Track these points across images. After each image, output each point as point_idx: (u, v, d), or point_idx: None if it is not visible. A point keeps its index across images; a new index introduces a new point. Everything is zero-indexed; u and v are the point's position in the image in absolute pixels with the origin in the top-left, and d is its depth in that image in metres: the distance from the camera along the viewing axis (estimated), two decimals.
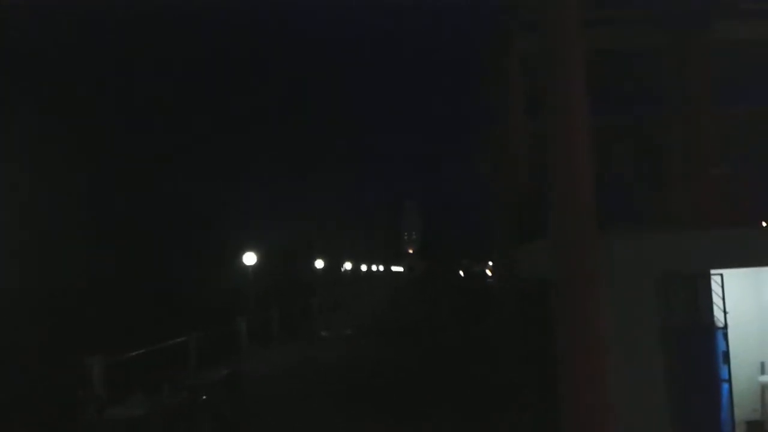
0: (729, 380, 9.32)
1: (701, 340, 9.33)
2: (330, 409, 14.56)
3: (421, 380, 17.36)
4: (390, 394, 15.85)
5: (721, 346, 9.32)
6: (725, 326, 9.40)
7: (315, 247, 43.88)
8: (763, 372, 12.42)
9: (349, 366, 20.53)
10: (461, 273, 79.73)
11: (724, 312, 9.44)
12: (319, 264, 43.38)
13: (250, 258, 28.98)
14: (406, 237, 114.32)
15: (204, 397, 13.34)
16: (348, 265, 59.84)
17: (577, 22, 9.93)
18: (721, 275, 9.48)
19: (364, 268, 73.22)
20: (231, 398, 14.07)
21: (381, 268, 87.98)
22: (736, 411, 9.90)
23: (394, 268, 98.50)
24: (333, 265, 50.95)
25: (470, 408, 13.82)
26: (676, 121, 17.19)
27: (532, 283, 12.21)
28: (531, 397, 11.89)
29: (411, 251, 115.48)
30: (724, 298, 9.45)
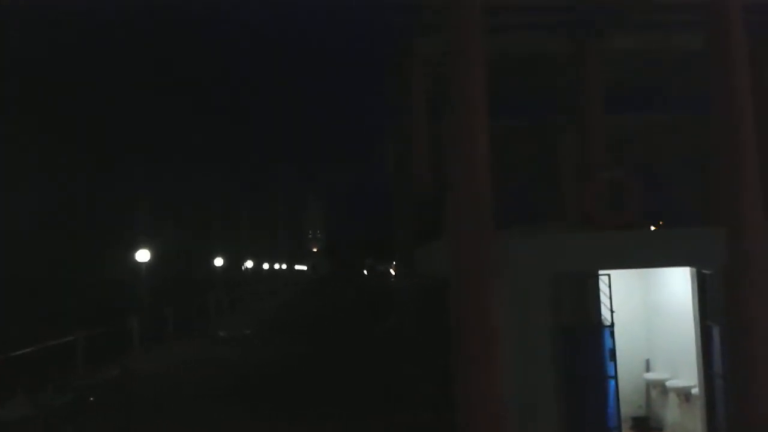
0: (615, 377, 9.67)
1: (589, 337, 9.64)
2: (223, 410, 14.18)
3: (318, 380, 17.22)
4: (285, 394, 15.63)
5: (608, 344, 9.65)
6: (612, 325, 9.75)
7: (214, 244, 42.78)
8: (648, 369, 13.00)
9: (245, 366, 20.11)
10: (365, 272, 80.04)
11: (611, 311, 9.78)
12: (219, 262, 42.34)
13: (143, 255, 27.80)
14: (310, 235, 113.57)
15: (91, 398, 12.72)
16: (249, 264, 58.82)
17: (479, 26, 10.07)
18: (609, 276, 9.82)
19: (266, 266, 72.18)
20: (120, 399, 13.45)
21: (284, 266, 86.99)
22: (622, 407, 10.29)
23: (298, 267, 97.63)
24: (233, 263, 49.89)
25: (364, 405, 13.80)
26: (570, 127, 17.81)
27: (431, 281, 12.31)
28: (428, 392, 11.99)
29: (315, 250, 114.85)
30: (611, 298, 9.79)
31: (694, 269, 10.28)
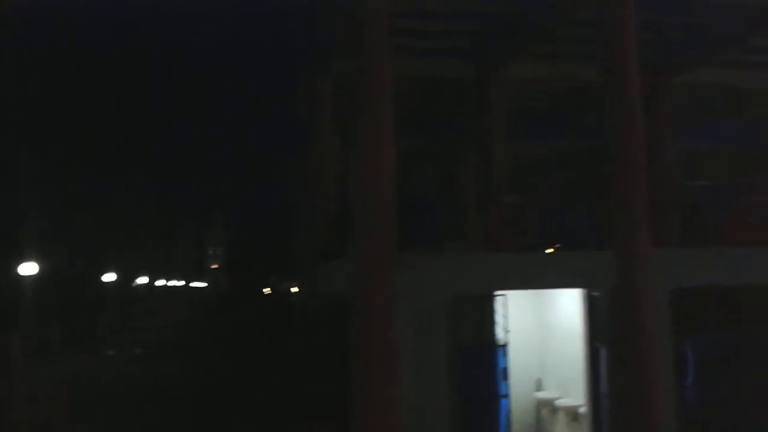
0: (508, 395, 9.88)
1: (484, 357, 9.83)
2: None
3: (210, 401, 16.70)
4: (175, 416, 15.04)
5: (502, 363, 9.87)
6: (506, 344, 9.98)
7: (106, 259, 40.91)
8: (539, 388, 13.37)
9: (134, 387, 19.26)
10: (268, 290, 78.75)
11: (506, 331, 10.01)
12: (110, 278, 40.51)
13: (29, 267, 26.05)
14: (211, 252, 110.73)
15: None
16: (143, 280, 56.71)
17: (388, 48, 10.20)
18: (505, 296, 10.07)
19: (161, 283, 69.78)
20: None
21: (181, 283, 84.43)
22: (514, 425, 10.54)
23: (196, 284, 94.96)
24: (126, 279, 47.93)
25: (262, 420, 13.50)
26: (474, 151, 18.23)
27: (334, 299, 12.25)
28: (326, 411, 11.85)
29: (215, 266, 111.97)
30: (506, 318, 10.03)
31: (585, 291, 10.69)
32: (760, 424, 10.42)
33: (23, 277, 26.07)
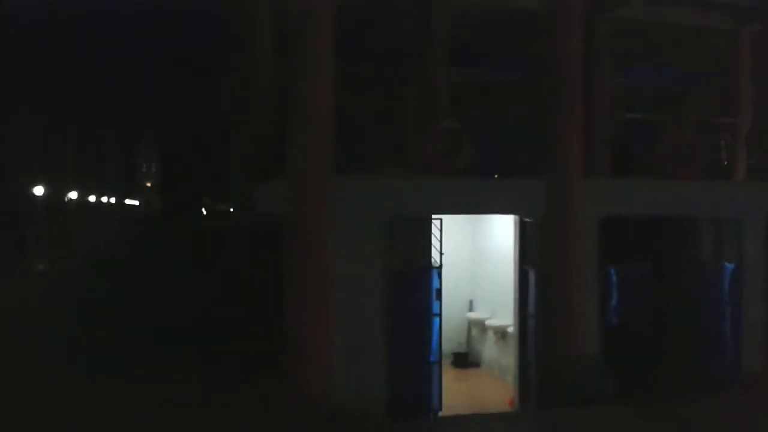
0: (440, 315, 10.21)
1: (418, 278, 10.07)
2: (36, 356, 13.24)
3: (142, 322, 16.54)
4: (100, 334, 14.83)
5: (435, 284, 10.14)
6: (440, 266, 10.24)
7: (34, 170, 39.46)
8: (471, 309, 13.87)
9: (61, 305, 18.90)
10: (203, 211, 77.80)
11: (441, 254, 10.26)
12: (39, 191, 39.18)
13: None
14: (144, 170, 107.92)
15: None
16: (74, 195, 55.12)
17: None
18: (441, 220, 10.26)
19: (92, 199, 68.05)
20: None
21: (113, 200, 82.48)
22: (445, 344, 10.94)
23: (129, 201, 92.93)
24: (56, 193, 46.51)
25: (193, 342, 13.49)
26: (414, 78, 18.15)
27: (268, 220, 12.22)
28: (258, 332, 11.99)
29: (149, 185, 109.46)
30: (441, 241, 10.26)
31: (517, 217, 10.98)
32: (675, 349, 11.07)
33: None
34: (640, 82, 22.03)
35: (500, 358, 12.87)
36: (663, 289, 11.16)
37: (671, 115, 20.23)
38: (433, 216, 10.21)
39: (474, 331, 13.94)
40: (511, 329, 11.81)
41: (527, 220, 10.80)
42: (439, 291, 10.18)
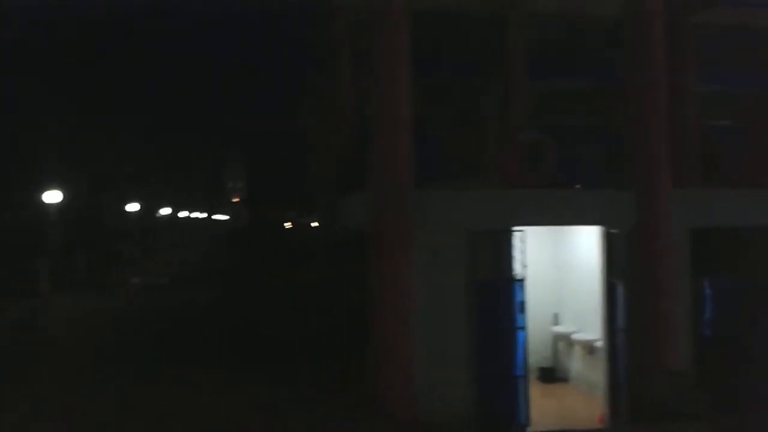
0: (524, 328, 10.07)
1: (501, 291, 9.98)
2: (126, 358, 13.90)
3: (235, 330, 17.12)
4: (200, 343, 15.48)
5: (519, 297, 10.02)
6: (523, 279, 10.11)
7: (129, 189, 41.26)
8: (556, 323, 13.59)
9: (158, 316, 19.74)
10: (287, 224, 79.42)
11: (524, 266, 10.13)
12: (133, 207, 40.97)
13: (53, 196, 26.18)
14: (231, 185, 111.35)
15: None
16: (166, 211, 57.37)
17: None
18: (523, 232, 10.14)
19: (183, 214, 70.64)
20: (23, 341, 13.05)
21: (203, 215, 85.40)
22: (530, 357, 10.76)
23: (218, 217, 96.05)
24: (149, 209, 48.50)
25: (283, 352, 13.84)
26: (494, 88, 18.04)
27: (350, 233, 12.40)
28: (343, 342, 12.16)
29: (236, 200, 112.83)
30: (524, 253, 10.13)
31: (603, 229, 10.72)
32: None
33: (48, 205, 26.28)
34: (729, 88, 21.12)
35: (588, 373, 12.53)
36: (758, 301, 10.66)
37: (761, 121, 19.30)
38: (516, 228, 10.10)
39: (560, 346, 13.63)
40: (599, 344, 11.51)
41: (613, 231, 10.54)
42: (523, 304, 10.04)
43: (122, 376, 12.16)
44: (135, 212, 41.29)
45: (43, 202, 26.29)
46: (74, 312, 19.96)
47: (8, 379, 11.95)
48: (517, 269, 10.10)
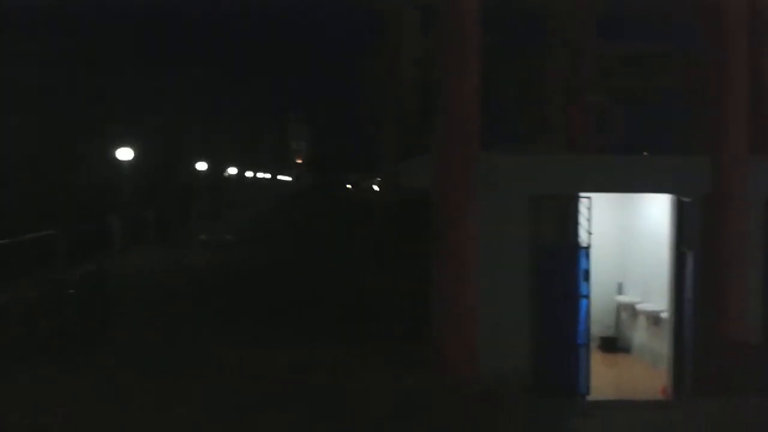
0: (588, 296, 9.93)
1: (566, 257, 9.83)
2: (196, 314, 14.34)
3: (296, 289, 17.38)
4: (258, 303, 15.77)
5: (584, 265, 9.86)
6: (589, 246, 9.94)
7: (197, 148, 42.18)
8: (620, 292, 13.35)
9: (224, 272, 20.25)
10: (349, 186, 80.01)
11: (589, 233, 9.95)
12: (202, 167, 41.87)
13: (125, 153, 27.00)
14: (294, 147, 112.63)
15: (71, 291, 12.85)
16: (233, 171, 58.48)
17: None
18: (590, 198, 9.93)
19: (249, 174, 71.93)
20: (99, 295, 13.58)
21: (268, 176, 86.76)
22: (592, 327, 10.63)
23: (282, 177, 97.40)
24: (216, 169, 49.54)
25: (338, 316, 14.02)
26: (560, 51, 17.58)
27: (414, 196, 12.39)
28: (403, 302, 12.24)
29: (299, 161, 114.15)
30: (590, 221, 9.94)
31: (674, 197, 10.40)
32: None
33: (120, 161, 27.14)
34: None
35: (652, 344, 12.29)
36: None
37: None
38: (582, 194, 9.90)
39: (623, 315, 13.39)
40: (665, 314, 11.25)
41: (685, 200, 10.20)
42: (587, 272, 9.88)
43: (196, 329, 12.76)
44: (203, 171, 42.24)
45: (116, 159, 27.19)
46: (144, 267, 20.68)
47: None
48: (583, 236, 9.92)
